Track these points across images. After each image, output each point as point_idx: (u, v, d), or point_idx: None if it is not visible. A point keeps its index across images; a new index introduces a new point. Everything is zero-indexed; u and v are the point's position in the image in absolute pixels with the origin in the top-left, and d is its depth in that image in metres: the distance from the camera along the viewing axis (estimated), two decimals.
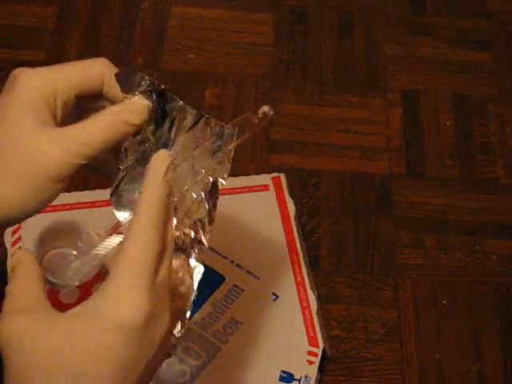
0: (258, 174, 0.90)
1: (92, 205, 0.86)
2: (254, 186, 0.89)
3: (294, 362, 0.77)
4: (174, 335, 0.52)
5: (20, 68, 0.52)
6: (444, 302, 0.84)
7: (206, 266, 0.83)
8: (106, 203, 0.85)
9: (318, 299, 0.81)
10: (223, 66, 1.01)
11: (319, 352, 0.77)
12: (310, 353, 0.77)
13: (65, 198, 0.87)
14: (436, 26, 1.06)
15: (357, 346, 0.81)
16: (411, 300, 0.84)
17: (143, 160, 0.56)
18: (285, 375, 0.76)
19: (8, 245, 0.83)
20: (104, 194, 0.86)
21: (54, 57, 0.99)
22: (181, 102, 0.54)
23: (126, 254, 0.47)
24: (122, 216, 0.57)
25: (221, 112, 0.96)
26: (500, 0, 1.09)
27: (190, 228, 0.54)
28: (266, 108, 0.54)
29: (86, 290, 0.79)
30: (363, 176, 0.92)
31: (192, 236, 0.54)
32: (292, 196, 0.88)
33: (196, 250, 0.54)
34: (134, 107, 0.53)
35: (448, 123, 0.97)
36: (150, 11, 1.06)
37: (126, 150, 0.56)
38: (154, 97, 0.54)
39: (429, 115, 0.98)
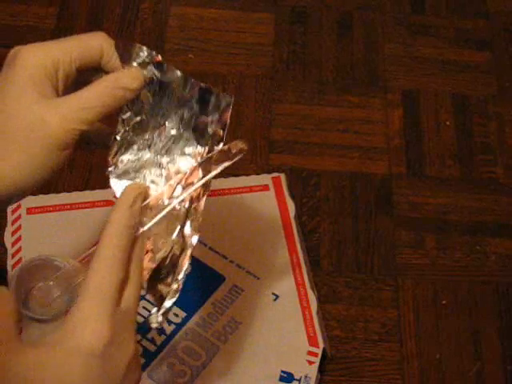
0: (258, 174, 0.90)
1: (92, 205, 0.86)
2: (254, 186, 0.89)
3: (293, 362, 0.77)
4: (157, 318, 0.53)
5: (20, 46, 0.53)
6: (444, 301, 0.84)
7: (205, 266, 0.83)
8: (107, 203, 0.86)
9: (318, 299, 0.81)
10: (223, 66, 1.01)
11: (319, 352, 0.77)
12: (309, 353, 0.77)
13: (65, 197, 0.87)
14: (436, 25, 1.06)
15: (357, 346, 0.81)
16: (411, 300, 0.84)
17: (140, 131, 0.57)
18: (285, 375, 0.76)
19: (8, 245, 0.83)
20: (104, 193, 0.87)
21: None
22: (179, 73, 0.55)
23: (88, 281, 0.48)
24: (119, 187, 0.57)
25: None
26: (500, 0, 1.09)
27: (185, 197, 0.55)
28: (239, 143, 0.55)
29: None
30: (363, 176, 0.92)
31: (187, 205, 0.54)
32: (292, 196, 0.88)
33: (191, 219, 0.55)
34: (130, 73, 0.54)
35: (448, 123, 0.97)
36: (149, 11, 1.06)
37: (123, 120, 0.56)
38: (152, 68, 0.55)
39: (429, 115, 0.98)
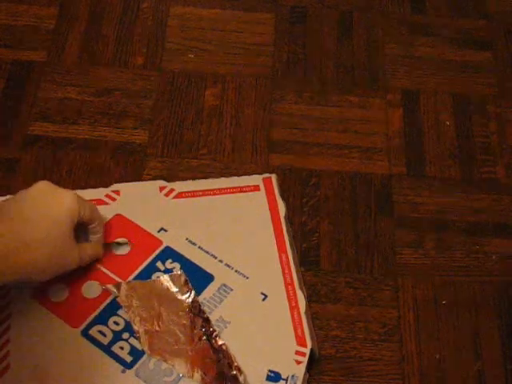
0: (258, 174, 0.90)
1: (98, 202, 0.85)
2: (245, 186, 0.88)
3: (281, 362, 0.76)
4: None
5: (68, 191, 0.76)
6: (444, 301, 0.84)
7: (194, 265, 0.84)
8: (98, 202, 0.85)
9: (307, 298, 0.81)
10: (223, 66, 1.01)
11: (307, 352, 0.77)
12: (297, 352, 0.77)
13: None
14: (436, 25, 1.06)
15: (357, 346, 0.81)
16: (411, 300, 0.84)
17: None
18: (272, 374, 0.75)
19: None
20: (94, 192, 0.86)
21: (54, 57, 0.99)
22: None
23: None
24: None
25: (221, 112, 0.96)
26: (500, 0, 1.10)
27: None
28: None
29: (75, 289, 0.79)
30: (363, 176, 0.92)
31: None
32: (283, 196, 0.88)
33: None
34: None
35: (448, 123, 0.97)
36: (149, 11, 1.06)
37: None
38: None
39: (429, 115, 0.98)
